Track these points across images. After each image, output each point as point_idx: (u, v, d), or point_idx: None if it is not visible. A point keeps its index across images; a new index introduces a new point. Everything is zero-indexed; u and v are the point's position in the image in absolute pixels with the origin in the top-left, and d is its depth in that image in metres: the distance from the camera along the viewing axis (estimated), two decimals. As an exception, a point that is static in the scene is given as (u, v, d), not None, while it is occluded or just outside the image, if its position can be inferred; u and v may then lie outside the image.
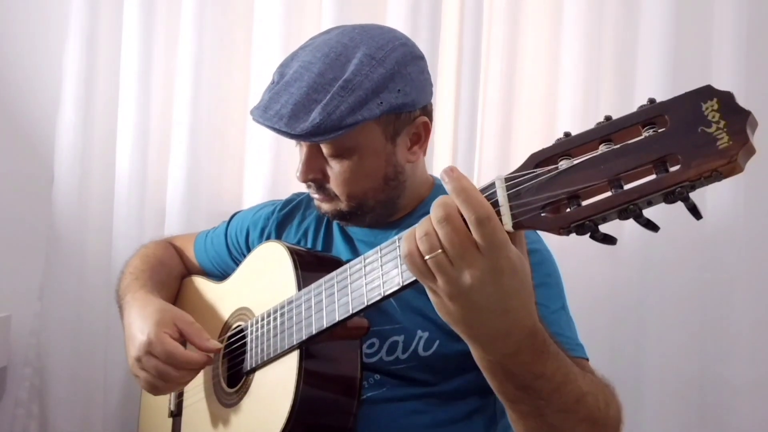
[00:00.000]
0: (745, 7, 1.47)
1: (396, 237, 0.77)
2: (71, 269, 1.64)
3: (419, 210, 1.11)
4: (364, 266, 0.82)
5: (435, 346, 1.01)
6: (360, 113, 0.96)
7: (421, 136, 1.07)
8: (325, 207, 1.07)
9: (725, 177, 0.56)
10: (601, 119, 0.63)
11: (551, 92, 1.57)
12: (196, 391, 1.13)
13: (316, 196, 1.07)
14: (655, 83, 1.48)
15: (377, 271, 0.80)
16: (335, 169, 1.02)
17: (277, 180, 1.60)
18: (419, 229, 0.68)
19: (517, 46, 1.58)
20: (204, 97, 1.61)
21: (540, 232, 1.04)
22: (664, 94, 1.64)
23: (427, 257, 0.67)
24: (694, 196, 0.58)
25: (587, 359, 0.97)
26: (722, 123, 0.55)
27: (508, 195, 0.66)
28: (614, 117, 0.62)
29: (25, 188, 1.73)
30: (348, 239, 1.14)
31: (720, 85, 0.57)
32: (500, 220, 0.65)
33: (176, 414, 1.17)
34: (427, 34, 1.52)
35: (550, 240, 1.54)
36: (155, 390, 1.05)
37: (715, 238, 1.49)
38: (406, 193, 1.09)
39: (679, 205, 0.59)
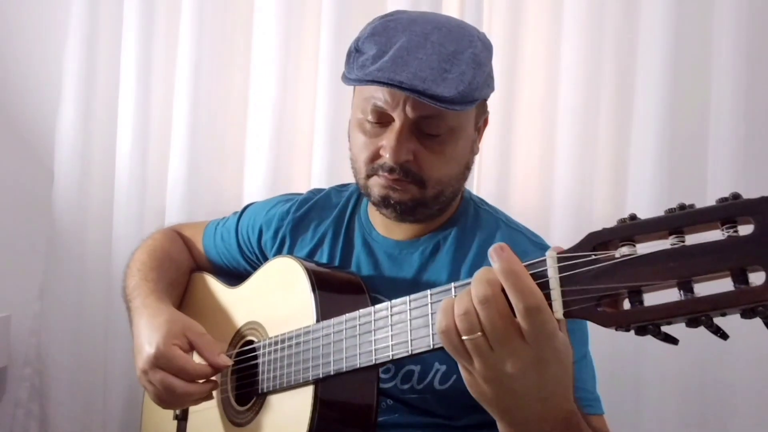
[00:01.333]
0: (745, 7, 1.46)
1: (429, 291, 0.73)
2: (71, 269, 1.64)
3: (447, 229, 1.05)
4: (391, 315, 0.78)
5: (452, 380, 0.96)
6: (484, 90, 0.95)
7: (481, 130, 1.06)
8: (399, 195, 0.97)
9: None
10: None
11: (551, 92, 1.57)
12: None
13: (396, 181, 0.95)
14: (655, 83, 1.48)
15: (405, 324, 0.76)
16: (434, 149, 0.95)
17: (277, 180, 1.59)
18: (458, 304, 0.63)
19: (517, 46, 1.58)
20: (204, 97, 1.61)
21: None
22: (663, 94, 1.64)
23: (465, 338, 0.63)
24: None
25: (603, 413, 0.95)
26: None
27: (560, 278, 0.60)
28: (684, 205, 0.55)
29: (25, 188, 1.73)
30: (369, 250, 1.08)
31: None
32: (549, 305, 0.60)
33: (181, 418, 1.15)
34: (427, 34, 1.51)
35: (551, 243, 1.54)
36: (163, 403, 1.02)
37: (715, 238, 1.48)
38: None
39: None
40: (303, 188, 1.34)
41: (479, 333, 0.62)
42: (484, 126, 1.06)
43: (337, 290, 0.97)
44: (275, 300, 1.05)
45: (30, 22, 1.72)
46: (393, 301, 0.78)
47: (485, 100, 1.02)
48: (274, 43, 1.59)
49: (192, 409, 1.14)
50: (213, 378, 1.01)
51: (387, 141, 0.94)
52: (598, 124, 1.53)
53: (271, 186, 1.58)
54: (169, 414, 1.16)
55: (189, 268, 1.27)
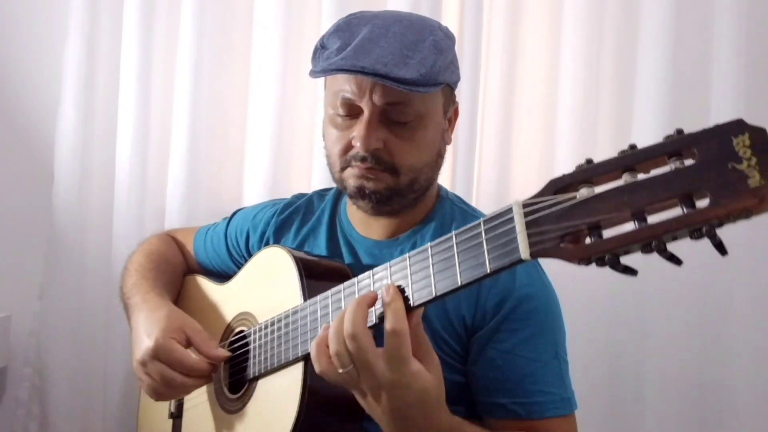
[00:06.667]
0: (745, 7, 1.47)
1: (407, 255, 0.78)
2: (71, 269, 1.64)
3: (425, 226, 1.06)
4: (373, 282, 0.81)
5: None
6: (447, 74, 0.97)
7: (451, 121, 1.07)
8: (373, 185, 0.98)
9: (756, 215, 0.55)
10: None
11: (551, 92, 1.57)
12: (197, 393, 1.13)
13: (369, 170, 0.97)
14: (655, 83, 1.48)
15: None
16: (403, 136, 0.97)
17: (277, 180, 1.60)
18: (332, 343, 0.77)
19: (517, 46, 1.58)
20: (204, 97, 1.61)
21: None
22: (663, 94, 1.64)
23: (341, 371, 0.77)
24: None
25: (570, 414, 0.97)
26: (754, 160, 0.54)
27: (526, 222, 0.65)
28: (638, 145, 0.60)
29: (25, 188, 1.73)
30: (351, 249, 1.10)
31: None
32: (517, 247, 0.65)
33: (176, 416, 1.16)
34: (427, 34, 1.51)
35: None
36: (157, 395, 1.04)
37: (715, 238, 1.48)
38: (432, 187, 1.06)
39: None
40: (303, 189, 1.34)
41: (350, 365, 0.76)
42: (455, 117, 1.08)
43: (324, 276, 0.98)
44: (263, 288, 1.07)
45: (30, 22, 1.72)
46: (375, 268, 0.82)
47: (452, 89, 1.04)
48: (274, 43, 1.59)
49: (186, 405, 1.15)
50: (209, 372, 1.03)
51: (357, 131, 0.96)
52: (598, 124, 1.53)
53: (272, 186, 1.58)
54: (165, 413, 1.17)
55: (183, 271, 1.31)
